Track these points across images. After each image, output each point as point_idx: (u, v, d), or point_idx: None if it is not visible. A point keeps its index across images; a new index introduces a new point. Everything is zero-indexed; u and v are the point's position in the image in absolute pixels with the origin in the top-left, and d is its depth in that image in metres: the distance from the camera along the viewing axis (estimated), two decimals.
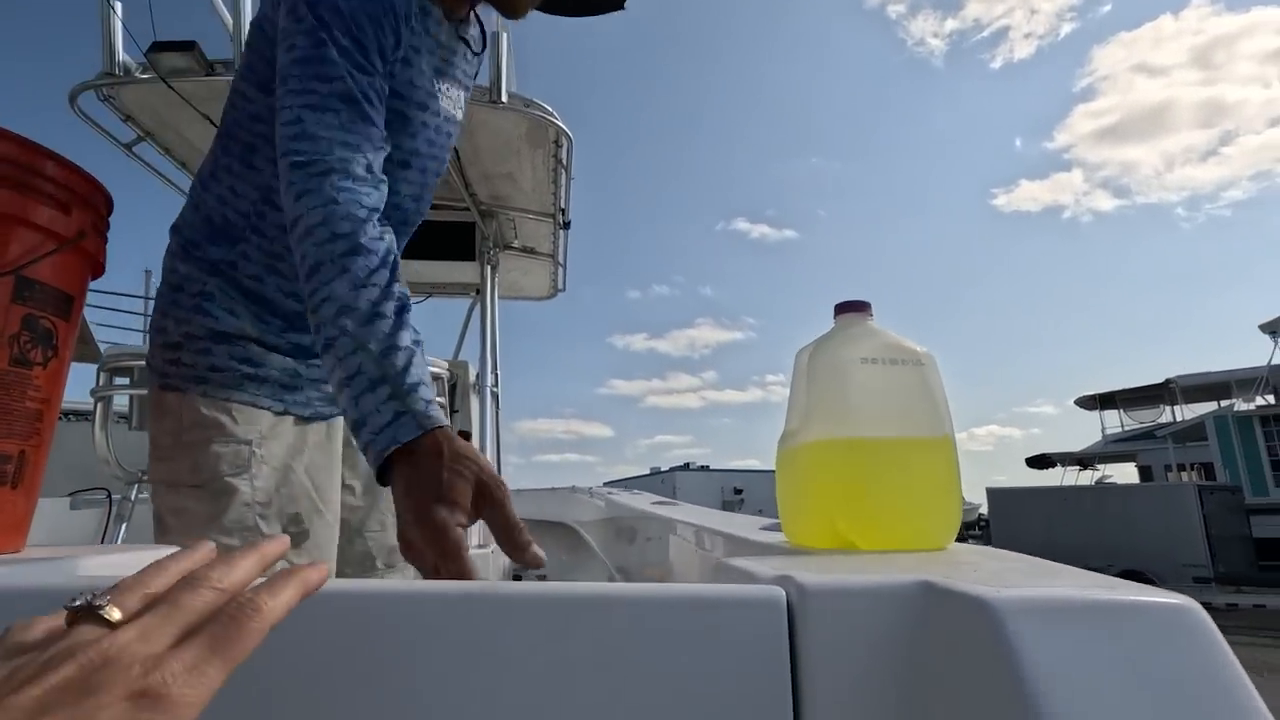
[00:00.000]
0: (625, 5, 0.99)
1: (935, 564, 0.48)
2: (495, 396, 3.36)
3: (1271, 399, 14.73)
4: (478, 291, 3.61)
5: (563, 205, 2.94)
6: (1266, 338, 15.74)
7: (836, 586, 0.40)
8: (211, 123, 2.22)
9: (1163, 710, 0.32)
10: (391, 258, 0.71)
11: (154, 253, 0.94)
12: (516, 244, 3.51)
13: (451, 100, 0.96)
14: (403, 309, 0.69)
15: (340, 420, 1.01)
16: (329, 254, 0.68)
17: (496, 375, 3.38)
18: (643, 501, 2.25)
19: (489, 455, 3.15)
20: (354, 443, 1.02)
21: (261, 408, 0.89)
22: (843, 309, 0.67)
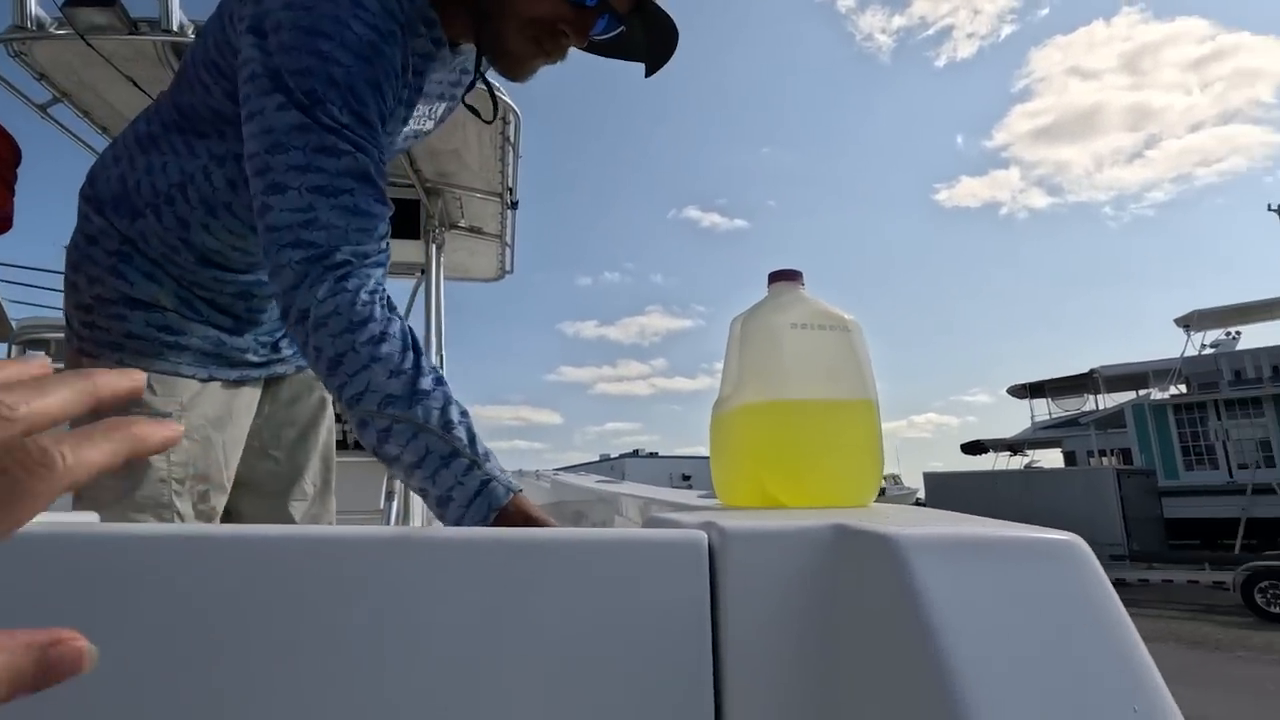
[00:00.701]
0: (650, 72, 0.90)
1: (852, 515, 0.51)
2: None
3: (1184, 389, 15.70)
4: (422, 271, 3.54)
5: (510, 184, 2.90)
6: (1181, 331, 16.75)
7: (754, 530, 0.42)
8: (136, 85, 2.11)
9: (1048, 631, 0.35)
10: (409, 335, 0.70)
11: (70, 226, 0.89)
12: (463, 223, 3.45)
13: (422, 115, 0.93)
14: (440, 381, 0.69)
15: (263, 383, 0.99)
16: (349, 344, 0.66)
17: (442, 358, 3.33)
18: (588, 481, 2.26)
19: None
20: (275, 403, 1.01)
21: (184, 376, 0.86)
22: (775, 277, 0.69)
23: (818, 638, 0.40)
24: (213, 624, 0.37)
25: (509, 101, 2.38)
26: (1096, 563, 0.39)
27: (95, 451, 0.21)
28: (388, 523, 1.98)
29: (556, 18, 0.79)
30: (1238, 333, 17.13)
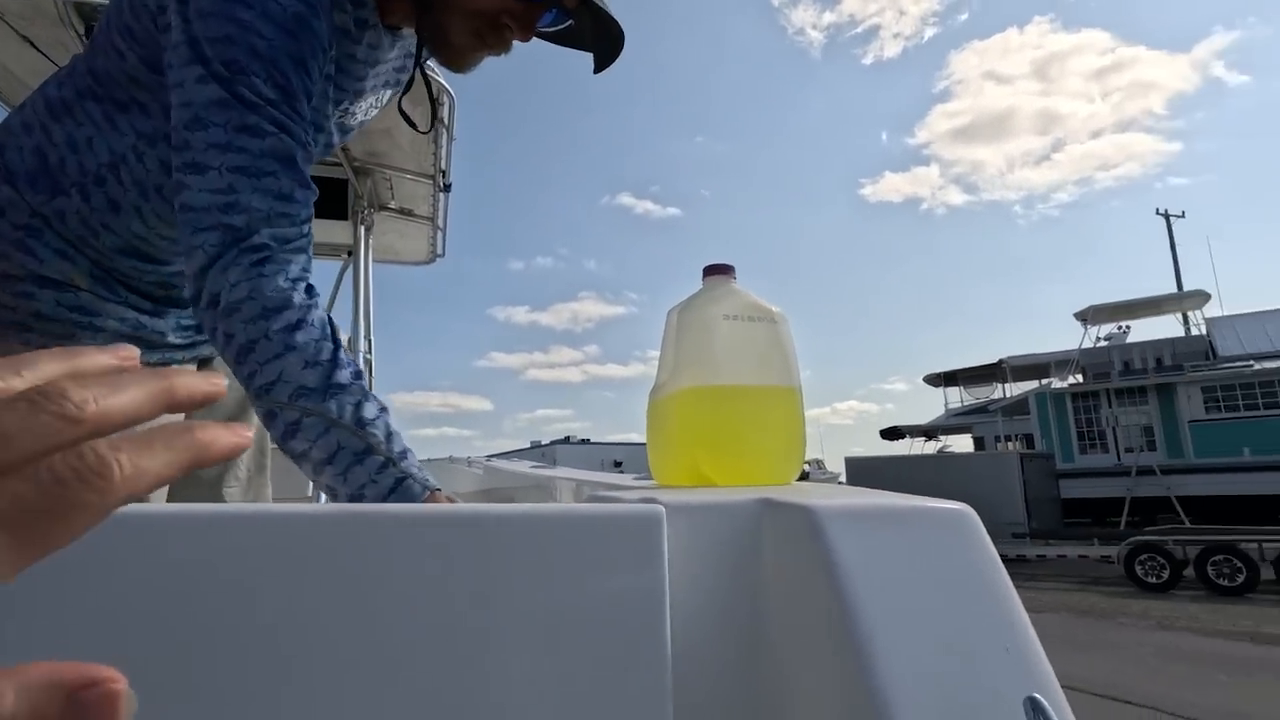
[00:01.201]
0: (599, 68, 0.89)
1: (776, 491, 0.56)
2: (369, 364, 3.23)
3: (1080, 378, 16.90)
4: (349, 253, 3.43)
5: (443, 166, 2.84)
6: (1079, 325, 18.00)
7: (692, 503, 0.46)
8: (35, 47, 1.96)
9: (940, 585, 0.41)
10: (328, 326, 0.67)
11: None
12: (393, 204, 3.36)
13: (351, 115, 0.91)
14: (358, 375, 0.67)
15: (192, 368, 0.96)
16: (262, 331, 0.63)
17: (370, 342, 3.25)
18: (521, 467, 2.27)
19: None
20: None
21: None
22: (710, 271, 0.73)
23: (749, 597, 0.44)
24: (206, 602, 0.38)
25: (443, 83, 2.33)
26: (983, 529, 0.44)
27: (155, 461, 0.18)
28: None
29: (501, 10, 0.78)
30: (1128, 327, 18.55)
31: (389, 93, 0.96)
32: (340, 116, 0.90)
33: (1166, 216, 22.92)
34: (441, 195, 3.07)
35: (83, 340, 0.81)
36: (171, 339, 0.92)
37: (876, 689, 0.35)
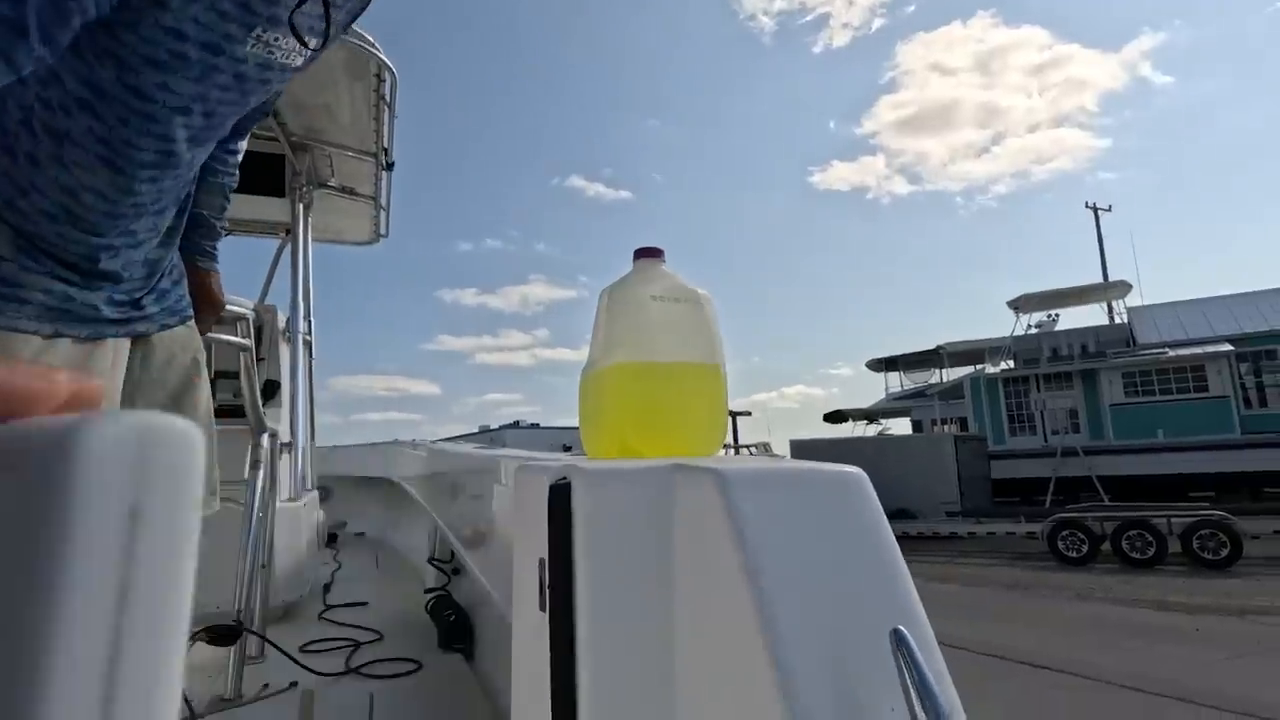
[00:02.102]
0: None
1: (694, 460, 0.59)
2: (308, 345, 3.16)
3: (1012, 364, 17.67)
4: (287, 231, 3.34)
5: (385, 144, 2.79)
6: (1011, 313, 18.78)
7: (607, 469, 0.49)
8: None
9: (831, 540, 0.45)
10: None
11: None
12: (334, 183, 3.28)
13: (276, 48, 0.85)
14: None
15: (126, 344, 0.94)
16: None
17: (309, 323, 3.18)
18: (466, 448, 2.27)
19: (300, 409, 2.97)
20: (147, 368, 0.96)
21: (24, 331, 0.81)
22: (640, 254, 0.76)
23: (661, 555, 0.48)
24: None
25: (384, 59, 2.29)
26: (871, 490, 0.49)
27: None
28: (252, 493, 1.90)
29: None
30: (1057, 315, 19.45)
31: (314, 40, 0.92)
32: (256, 45, 0.83)
33: (1095, 210, 24.06)
34: (385, 174, 3.02)
35: (5, 311, 0.79)
36: (105, 312, 0.89)
37: (769, 632, 0.39)
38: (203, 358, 1.06)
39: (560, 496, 0.49)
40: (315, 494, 3.06)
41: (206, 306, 1.20)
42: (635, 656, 0.46)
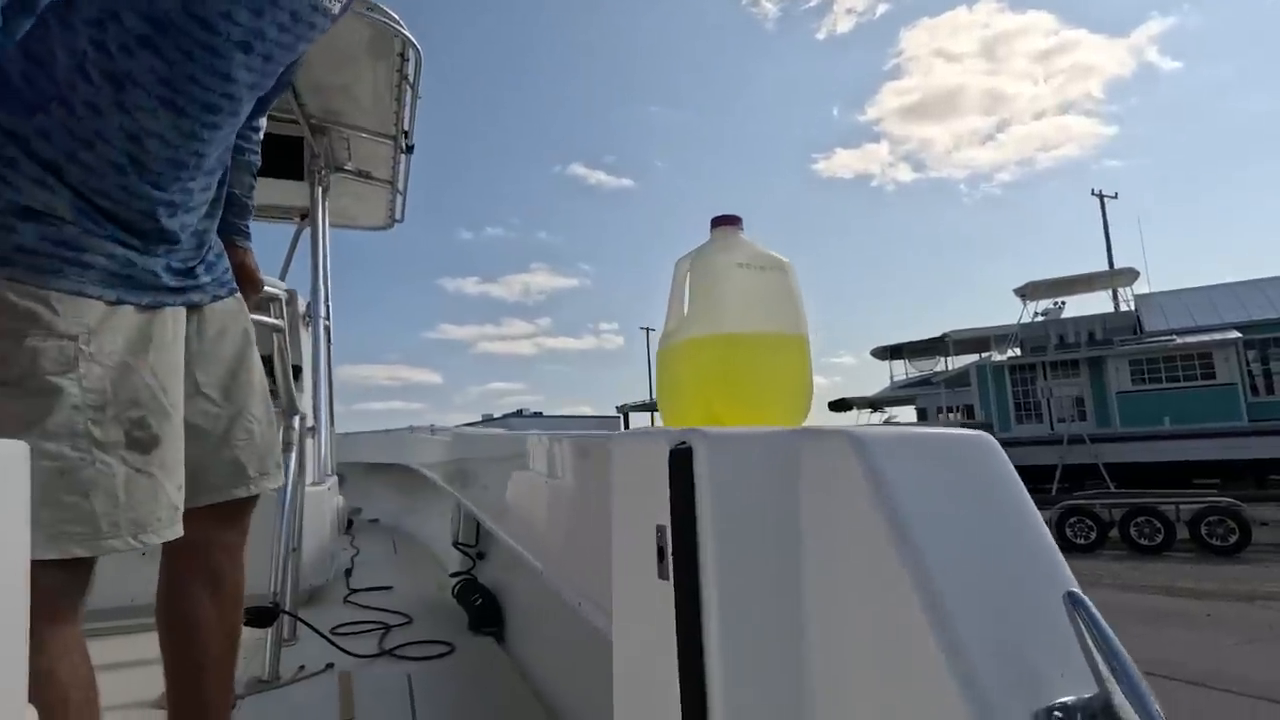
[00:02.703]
0: None
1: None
2: (328, 331, 3.15)
3: (1019, 351, 17.63)
4: (302, 216, 3.31)
5: (406, 127, 2.76)
6: (1018, 300, 18.72)
7: (729, 433, 0.48)
8: None
9: (973, 501, 0.44)
10: None
11: None
12: (350, 166, 3.25)
13: None
14: None
15: (183, 314, 0.93)
16: None
17: (328, 307, 3.17)
18: (495, 431, 2.26)
19: (322, 394, 2.96)
20: (202, 339, 0.95)
21: (89, 296, 0.79)
22: (718, 222, 0.75)
23: (789, 519, 0.47)
24: None
25: (409, 37, 2.26)
26: (1002, 451, 0.48)
27: None
28: (285, 474, 1.90)
29: None
30: (1063, 303, 19.39)
31: (339, 3, 0.92)
32: None
33: (1101, 197, 23.91)
34: (404, 157, 2.99)
35: (70, 275, 0.78)
36: (164, 280, 0.88)
37: (931, 596, 0.38)
38: (252, 331, 1.05)
39: (681, 461, 0.48)
40: (335, 479, 3.06)
41: (248, 286, 1.18)
42: (764, 618, 0.45)
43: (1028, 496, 0.45)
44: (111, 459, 0.76)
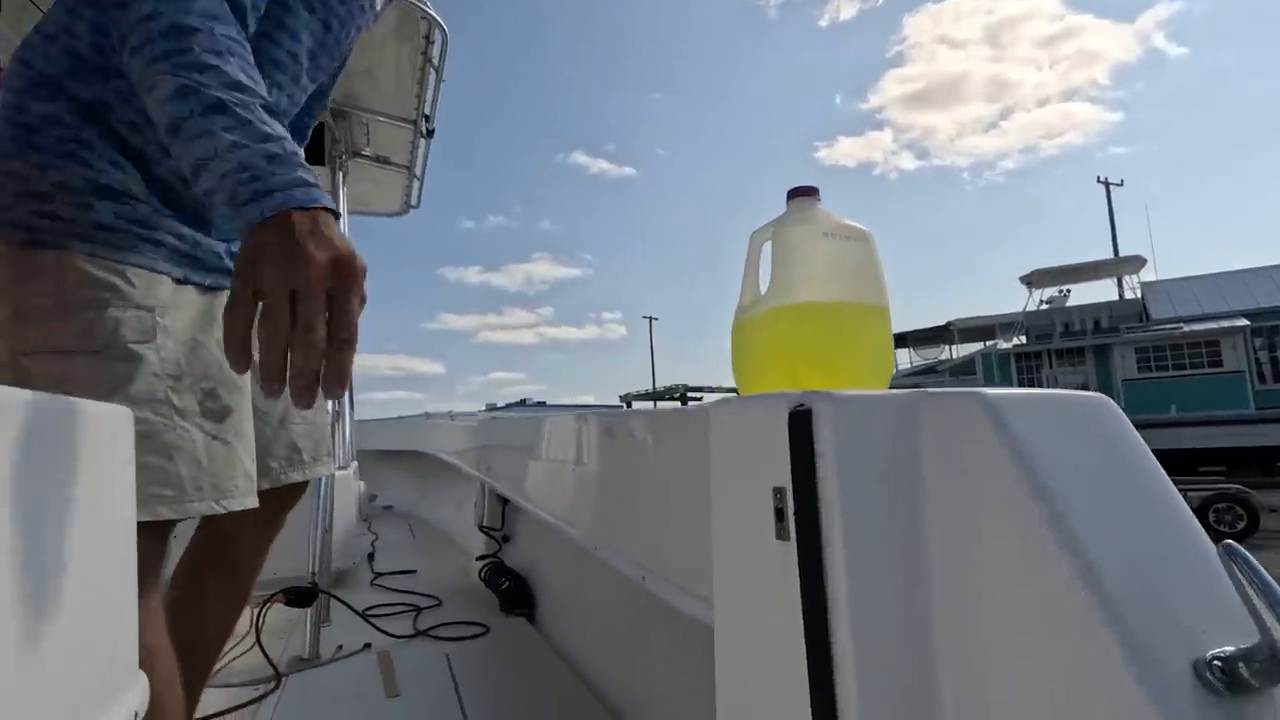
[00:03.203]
0: None
1: None
2: None
3: (1024, 340, 17.60)
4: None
5: (428, 111, 2.74)
6: (1024, 288, 18.67)
7: (848, 395, 0.48)
8: None
9: (1103, 463, 0.44)
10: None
11: None
12: (368, 151, 3.23)
13: None
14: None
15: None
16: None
17: None
18: (522, 414, 2.27)
19: None
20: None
21: (160, 273, 0.80)
22: (796, 193, 0.74)
23: (907, 479, 0.47)
24: None
25: (435, 17, 2.24)
26: (1123, 414, 0.48)
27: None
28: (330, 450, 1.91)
29: None
30: (1068, 290, 19.33)
31: (366, 17, 0.96)
32: None
33: (1106, 185, 23.76)
34: (424, 141, 2.97)
35: (144, 252, 0.78)
36: (226, 263, 0.89)
37: (1079, 555, 0.38)
38: None
39: (801, 422, 0.48)
40: (356, 464, 3.07)
41: None
42: (889, 574, 0.45)
43: (1153, 457, 0.46)
44: (190, 425, 0.77)
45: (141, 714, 0.54)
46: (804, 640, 0.46)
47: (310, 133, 1.16)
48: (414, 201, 3.78)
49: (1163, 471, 0.45)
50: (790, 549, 0.47)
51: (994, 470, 0.43)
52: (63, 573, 0.43)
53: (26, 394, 0.39)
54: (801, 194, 0.74)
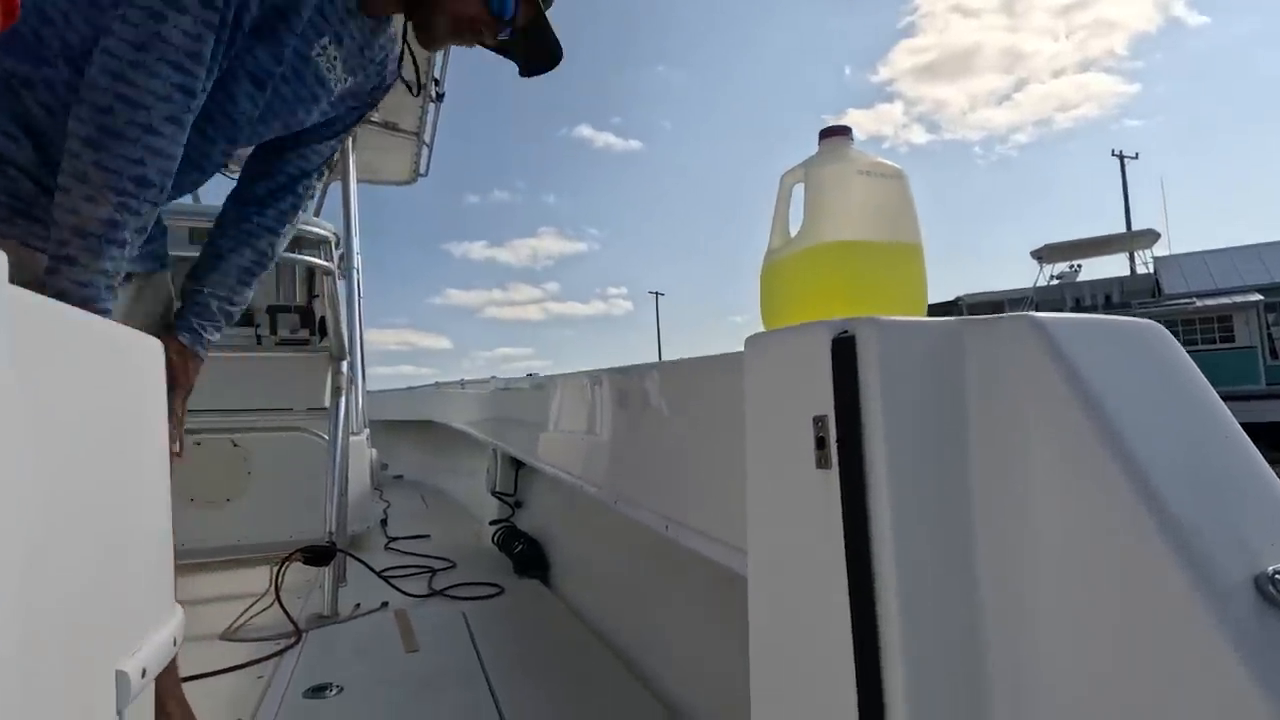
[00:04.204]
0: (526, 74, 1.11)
1: None
2: (359, 287, 3.14)
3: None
4: (328, 169, 3.27)
5: (438, 74, 2.70)
6: (1034, 263, 18.50)
7: (892, 321, 0.47)
8: None
9: (1157, 385, 0.43)
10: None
11: None
12: (375, 117, 3.19)
13: (332, 68, 0.99)
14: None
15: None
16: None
17: (360, 258, 3.15)
18: (530, 380, 2.26)
19: (356, 345, 2.97)
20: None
21: (35, 249, 0.81)
22: (829, 133, 0.73)
23: (952, 404, 0.46)
24: None
25: None
26: (1174, 339, 0.47)
27: None
28: (335, 419, 1.91)
29: (479, 20, 0.98)
30: (1079, 266, 19.14)
31: (350, 81, 1.06)
32: (321, 54, 0.97)
33: (1121, 158, 23.39)
34: (433, 106, 2.94)
35: (18, 225, 0.82)
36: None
37: (1138, 476, 0.37)
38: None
39: (844, 349, 0.47)
40: (368, 431, 3.09)
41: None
42: (935, 500, 0.45)
43: (1207, 382, 0.45)
44: None
45: (179, 640, 0.55)
46: (845, 567, 0.45)
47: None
48: (423, 169, 3.75)
49: (1218, 396, 0.44)
50: (831, 476, 0.47)
51: (1044, 390, 0.42)
52: (117, 502, 0.43)
53: (77, 313, 0.39)
54: (834, 133, 0.72)
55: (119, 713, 0.43)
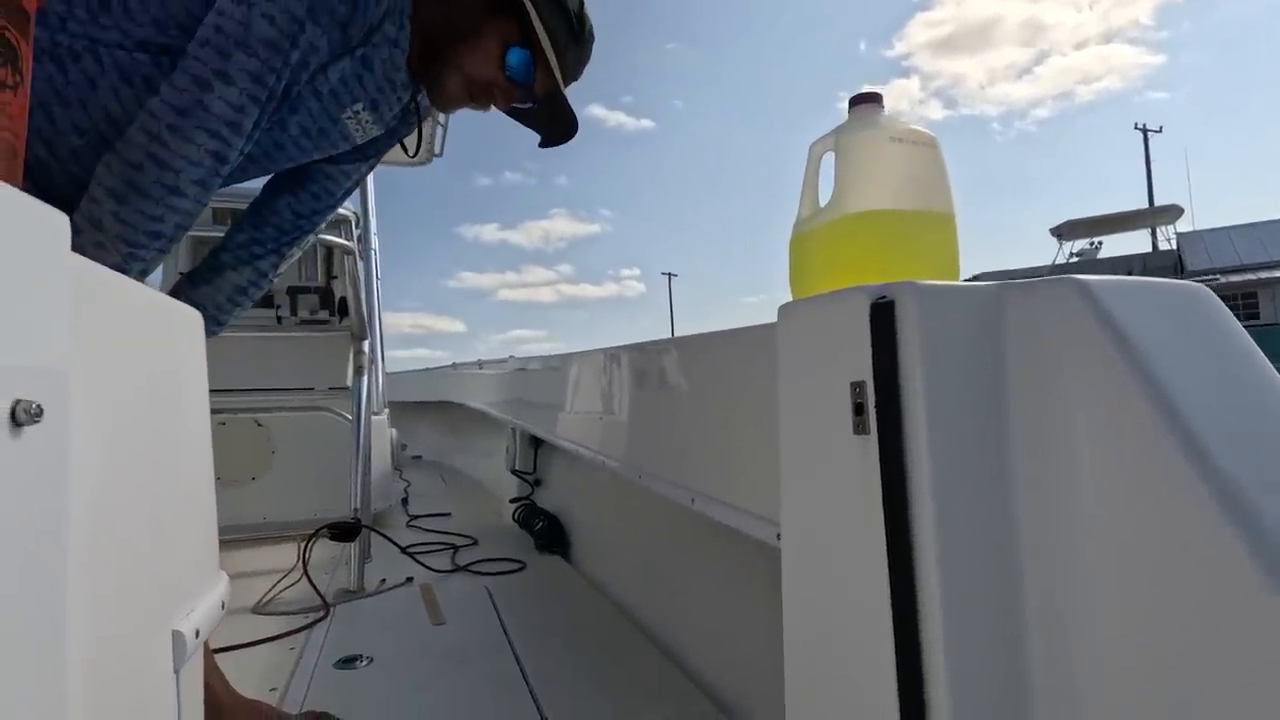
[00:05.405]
0: (546, 144, 1.09)
1: None
2: (376, 267, 3.16)
3: None
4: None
5: None
6: (1052, 241, 18.21)
7: (931, 286, 0.46)
8: None
9: (1205, 347, 0.42)
10: None
11: None
12: None
13: (361, 129, 0.97)
14: None
15: None
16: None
17: (377, 239, 3.16)
18: (537, 359, 2.27)
19: (375, 325, 2.99)
20: None
21: None
22: (858, 100, 0.72)
23: (991, 368, 0.46)
24: None
25: None
26: (1219, 301, 0.46)
27: None
28: (359, 397, 1.94)
29: (493, 83, 0.95)
30: (1100, 243, 18.82)
31: (375, 130, 1.01)
32: (353, 117, 0.95)
33: (1144, 131, 22.88)
34: None
35: None
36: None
37: (1184, 433, 0.37)
38: None
39: (883, 314, 0.47)
40: (388, 411, 3.12)
41: None
42: (976, 462, 0.45)
43: (1256, 346, 0.44)
44: None
45: (226, 604, 0.56)
46: (884, 531, 0.46)
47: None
48: (438, 149, 3.73)
49: (1267, 359, 0.43)
50: (870, 441, 0.47)
51: (1089, 354, 0.42)
52: (170, 465, 0.44)
53: (130, 282, 0.39)
54: (865, 100, 0.71)
55: (176, 671, 0.44)
